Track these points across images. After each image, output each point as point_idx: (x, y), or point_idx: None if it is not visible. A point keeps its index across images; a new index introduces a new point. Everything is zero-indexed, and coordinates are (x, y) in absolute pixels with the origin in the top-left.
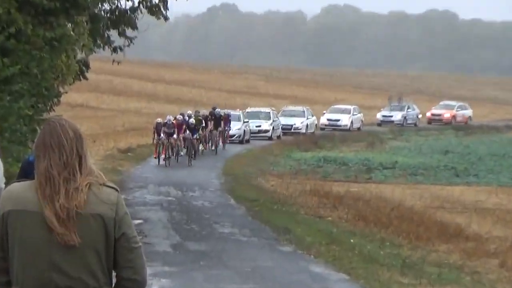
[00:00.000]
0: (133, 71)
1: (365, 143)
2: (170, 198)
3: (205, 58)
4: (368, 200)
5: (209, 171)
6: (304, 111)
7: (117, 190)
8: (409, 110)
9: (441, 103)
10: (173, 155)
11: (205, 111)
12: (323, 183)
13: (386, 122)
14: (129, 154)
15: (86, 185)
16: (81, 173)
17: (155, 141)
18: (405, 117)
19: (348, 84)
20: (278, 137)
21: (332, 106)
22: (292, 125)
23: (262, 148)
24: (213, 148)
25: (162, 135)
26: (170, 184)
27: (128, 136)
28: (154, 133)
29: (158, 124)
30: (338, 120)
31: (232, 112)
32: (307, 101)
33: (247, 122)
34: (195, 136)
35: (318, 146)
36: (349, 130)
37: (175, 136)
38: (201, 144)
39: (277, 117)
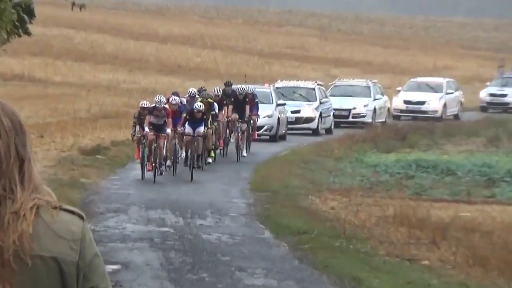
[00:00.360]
0: (106, 22)
1: (483, 139)
2: (165, 229)
3: (223, 0)
4: (489, 232)
5: (229, 185)
6: (369, 87)
7: (81, 217)
8: None
9: None
10: (164, 163)
11: (218, 89)
12: (415, 204)
13: (494, 104)
14: (98, 156)
15: (31, 208)
16: (23, 189)
17: (135, 137)
18: None
19: (454, 42)
20: (328, 130)
21: (412, 80)
22: (349, 110)
23: (315, 146)
24: (233, 150)
25: (146, 128)
26: (166, 206)
27: (97, 127)
28: (134, 124)
29: (142, 109)
30: (422, 103)
31: (257, 89)
32: (387, 70)
33: (283, 104)
34: (202, 130)
35: (406, 144)
36: (440, 118)
37: (168, 130)
38: (211, 145)
39: (326, 96)
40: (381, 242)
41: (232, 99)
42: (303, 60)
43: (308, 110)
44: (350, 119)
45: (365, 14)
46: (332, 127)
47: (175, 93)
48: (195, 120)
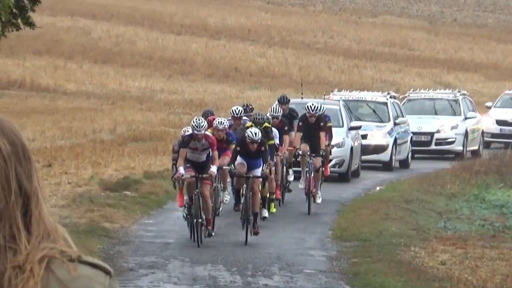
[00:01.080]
0: (136, 10)
1: None
2: None
3: None
4: None
5: (303, 232)
6: (456, 101)
7: (107, 272)
8: None
9: None
10: (207, 225)
11: (276, 108)
12: None
13: None
14: (126, 193)
15: (40, 261)
16: (28, 235)
17: (175, 179)
18: None
19: None
20: (403, 162)
21: (508, 92)
22: (431, 134)
23: (421, 179)
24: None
25: (180, 169)
26: (218, 261)
27: (125, 153)
28: (174, 162)
29: (185, 138)
30: None
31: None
32: None
33: (358, 128)
34: (260, 171)
35: None
36: None
37: (213, 169)
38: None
39: (402, 113)
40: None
41: (300, 123)
42: (405, 61)
43: (378, 135)
44: (433, 146)
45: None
46: (410, 158)
47: (208, 112)
48: (248, 154)
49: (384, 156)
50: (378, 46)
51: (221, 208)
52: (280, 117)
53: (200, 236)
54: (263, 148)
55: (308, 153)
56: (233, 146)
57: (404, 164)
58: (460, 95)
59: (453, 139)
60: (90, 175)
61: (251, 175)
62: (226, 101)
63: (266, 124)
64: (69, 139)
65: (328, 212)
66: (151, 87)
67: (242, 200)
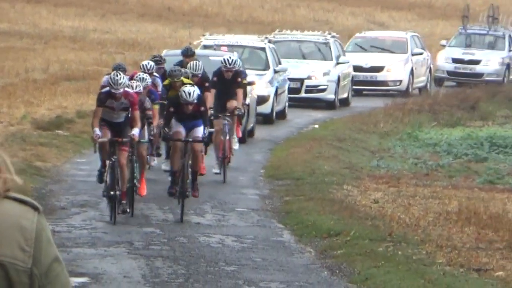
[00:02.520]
0: None
1: None
2: (149, 229)
3: None
4: None
5: (236, 171)
6: (327, 43)
7: (36, 208)
8: None
9: None
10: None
11: (197, 64)
12: (487, 196)
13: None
14: (59, 132)
15: None
16: None
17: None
18: None
19: None
20: (345, 100)
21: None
22: (302, 80)
23: (354, 118)
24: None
25: (96, 130)
26: (150, 199)
27: (58, 93)
28: (96, 110)
29: (101, 96)
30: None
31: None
32: (453, 15)
33: (283, 70)
34: (201, 132)
35: (477, 115)
36: (502, 82)
37: (135, 132)
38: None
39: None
40: (441, 246)
41: (215, 79)
42: (339, 0)
43: (260, 85)
44: (303, 94)
45: None
46: (350, 97)
47: (120, 67)
48: (183, 117)
49: (265, 109)
50: None
51: (152, 163)
52: (200, 74)
53: (115, 212)
54: (202, 109)
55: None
56: (156, 106)
57: (345, 102)
58: (331, 37)
59: (325, 87)
60: (23, 115)
61: (190, 139)
62: (159, 41)
63: (185, 80)
64: (2, 79)
65: (261, 151)
66: (84, 26)
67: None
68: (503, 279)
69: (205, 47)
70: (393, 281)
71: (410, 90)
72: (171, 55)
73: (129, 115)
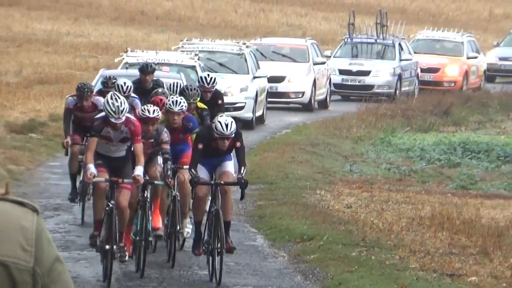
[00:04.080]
0: None
1: None
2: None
3: None
4: None
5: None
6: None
7: (34, 210)
8: None
9: None
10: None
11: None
12: (460, 201)
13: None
14: (32, 135)
15: None
16: None
17: (83, 181)
18: None
19: None
20: (260, 118)
21: (347, 40)
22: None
23: (327, 123)
24: None
25: (91, 167)
26: None
27: (31, 96)
28: (67, 121)
29: (95, 123)
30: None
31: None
32: (426, 20)
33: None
34: (240, 173)
35: (450, 121)
36: (394, 94)
37: (137, 171)
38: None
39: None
40: (414, 251)
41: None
42: (312, 5)
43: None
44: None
45: None
46: (329, 101)
47: (86, 87)
48: (212, 155)
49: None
50: None
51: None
52: (213, 89)
53: (111, 269)
54: (238, 144)
55: None
56: (194, 136)
57: (324, 105)
58: (246, 47)
59: (243, 104)
60: None
61: (220, 181)
62: (132, 44)
63: (198, 103)
64: None
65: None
66: (57, 30)
67: (206, 234)
68: (476, 285)
69: (130, 66)
70: (366, 286)
71: (312, 102)
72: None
73: (129, 147)
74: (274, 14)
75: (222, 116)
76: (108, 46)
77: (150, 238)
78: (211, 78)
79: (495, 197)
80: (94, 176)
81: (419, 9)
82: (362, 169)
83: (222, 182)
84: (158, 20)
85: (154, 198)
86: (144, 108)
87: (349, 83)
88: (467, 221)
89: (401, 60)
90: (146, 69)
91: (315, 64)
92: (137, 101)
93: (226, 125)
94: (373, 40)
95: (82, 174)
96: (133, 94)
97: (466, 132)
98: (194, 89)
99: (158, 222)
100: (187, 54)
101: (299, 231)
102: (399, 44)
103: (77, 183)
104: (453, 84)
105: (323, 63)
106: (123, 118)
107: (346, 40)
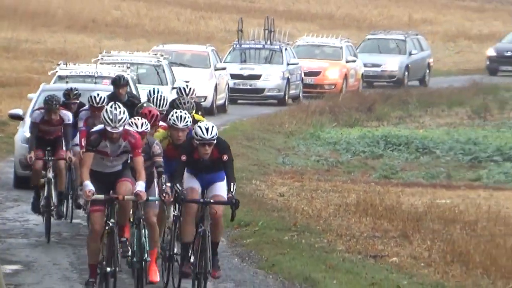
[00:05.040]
0: None
1: (468, 110)
2: (77, 221)
3: None
4: (472, 223)
5: None
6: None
7: None
8: None
9: None
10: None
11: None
12: (383, 189)
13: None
14: None
15: None
16: None
17: (78, 201)
18: None
19: None
20: (296, 98)
21: (236, 46)
22: (251, 78)
23: (261, 119)
24: None
25: (89, 186)
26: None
27: None
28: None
29: (92, 137)
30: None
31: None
32: (352, 25)
33: (223, 68)
34: (230, 190)
35: (373, 116)
36: (283, 97)
37: (139, 187)
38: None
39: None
40: (340, 235)
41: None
42: (247, 13)
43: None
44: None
45: None
46: (301, 95)
47: (53, 100)
48: (198, 167)
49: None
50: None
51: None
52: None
53: None
54: (225, 157)
55: None
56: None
57: (295, 100)
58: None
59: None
60: None
61: (210, 200)
62: (85, 50)
63: (195, 115)
64: None
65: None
66: (16, 37)
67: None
68: (397, 265)
69: (60, 78)
70: (298, 267)
71: (214, 107)
72: (51, 90)
73: (128, 162)
74: (213, 21)
75: (202, 122)
76: (63, 51)
77: (148, 258)
78: (190, 89)
79: (414, 185)
80: (93, 194)
81: (344, 15)
82: (294, 161)
83: (211, 200)
84: (108, 27)
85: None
86: (132, 122)
87: (241, 87)
88: (388, 207)
89: (288, 64)
90: (118, 82)
91: (216, 69)
92: None
93: (207, 129)
94: (261, 46)
95: (75, 189)
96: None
97: (388, 127)
98: (188, 102)
99: (155, 275)
100: (119, 66)
101: (236, 218)
102: (286, 50)
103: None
104: (333, 87)
105: (224, 68)
106: (120, 129)
107: (235, 46)
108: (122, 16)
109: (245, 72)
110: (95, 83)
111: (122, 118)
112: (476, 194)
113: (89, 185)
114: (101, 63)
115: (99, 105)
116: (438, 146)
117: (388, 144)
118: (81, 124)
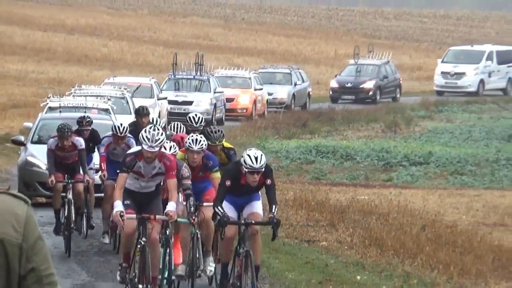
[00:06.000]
0: (13, 14)
1: (382, 125)
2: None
3: None
4: (385, 214)
5: None
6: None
7: (26, 201)
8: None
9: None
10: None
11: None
12: (315, 188)
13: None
14: (7, 145)
15: None
16: None
17: (111, 222)
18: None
19: (356, 31)
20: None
21: (171, 76)
22: (185, 104)
23: None
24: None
25: (120, 206)
26: None
27: (6, 117)
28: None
29: (127, 158)
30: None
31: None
32: (290, 59)
33: (221, 92)
34: (271, 212)
35: (307, 131)
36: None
37: (170, 207)
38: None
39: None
40: (281, 224)
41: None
42: (208, 49)
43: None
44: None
45: (268, 4)
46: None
47: (65, 128)
48: (239, 192)
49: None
50: (188, 39)
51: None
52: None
53: None
54: (268, 182)
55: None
56: (216, 174)
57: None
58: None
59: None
60: None
61: (251, 220)
62: (80, 79)
63: (224, 142)
64: None
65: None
66: (25, 69)
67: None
68: (326, 248)
69: (50, 109)
70: None
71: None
72: (48, 119)
73: (161, 184)
74: (180, 56)
75: (250, 149)
76: (61, 80)
77: (173, 277)
78: (198, 118)
79: (339, 185)
80: (122, 215)
81: (284, 51)
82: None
83: (252, 221)
84: (97, 61)
85: (174, 234)
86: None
87: (176, 111)
88: (319, 202)
89: (215, 92)
90: (142, 112)
91: (159, 99)
92: (133, 141)
93: (256, 158)
94: (192, 76)
95: (89, 209)
96: (129, 135)
97: (319, 139)
98: (219, 130)
99: (178, 258)
100: (100, 99)
101: None
102: (212, 80)
103: (61, 217)
104: (245, 111)
105: (165, 98)
106: (157, 149)
107: (170, 76)
108: (109, 52)
109: (180, 99)
110: (85, 112)
111: (159, 139)
112: (388, 191)
113: (120, 205)
114: (73, 96)
115: (122, 134)
116: (358, 153)
117: (319, 152)
118: (102, 149)
